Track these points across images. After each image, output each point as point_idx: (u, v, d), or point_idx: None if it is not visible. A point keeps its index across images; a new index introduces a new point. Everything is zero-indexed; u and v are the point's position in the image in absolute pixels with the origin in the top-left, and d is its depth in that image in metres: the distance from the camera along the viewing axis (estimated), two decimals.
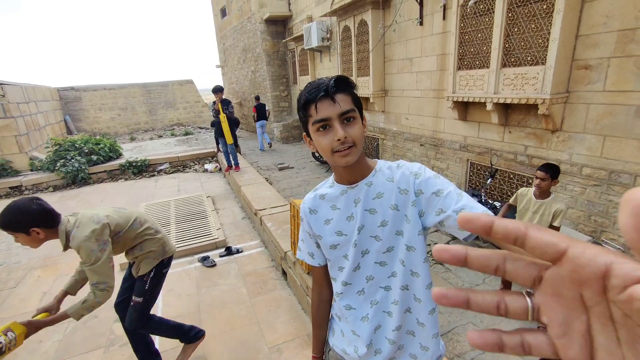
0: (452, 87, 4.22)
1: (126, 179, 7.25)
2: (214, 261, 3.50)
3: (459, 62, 4.11)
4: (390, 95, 5.97)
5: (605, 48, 2.90)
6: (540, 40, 3.18)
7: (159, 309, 2.80)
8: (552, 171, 2.33)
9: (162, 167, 7.79)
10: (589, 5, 2.95)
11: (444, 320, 2.76)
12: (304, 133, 0.95)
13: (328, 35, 7.69)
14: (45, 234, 1.62)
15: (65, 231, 1.66)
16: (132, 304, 1.98)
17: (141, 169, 7.53)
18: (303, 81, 9.63)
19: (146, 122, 14.51)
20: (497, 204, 3.53)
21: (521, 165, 3.81)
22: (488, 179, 3.68)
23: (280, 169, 7.52)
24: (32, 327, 1.57)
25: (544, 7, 3.09)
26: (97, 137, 8.31)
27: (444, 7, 4.37)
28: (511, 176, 4.02)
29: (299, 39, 8.87)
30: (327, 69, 8.21)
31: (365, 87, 6.21)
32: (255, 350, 2.32)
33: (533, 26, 3.21)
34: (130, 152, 8.88)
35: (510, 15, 3.39)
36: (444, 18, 4.44)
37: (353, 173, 0.94)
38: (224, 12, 13.05)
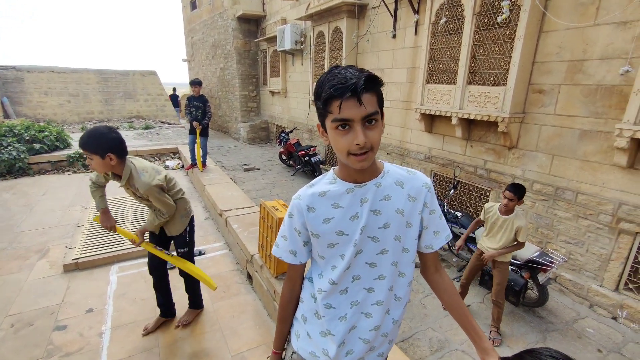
0: (420, 99, 4.40)
1: (74, 172, 6.63)
2: None
3: (428, 76, 4.30)
4: None
5: (557, 75, 3.20)
6: (502, 63, 3.43)
7: (109, 316, 2.57)
8: (519, 193, 2.50)
9: None
10: (545, 35, 3.24)
11: (405, 326, 2.83)
12: (318, 123, 0.90)
13: (302, 39, 7.69)
14: (116, 162, 1.80)
15: (131, 170, 1.87)
16: (179, 254, 2.30)
17: None
18: (273, 82, 9.53)
19: (101, 112, 13.44)
20: (458, 213, 3.72)
21: (480, 178, 4.06)
22: (451, 190, 3.86)
23: (246, 170, 7.34)
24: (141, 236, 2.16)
25: (507, 32, 3.34)
26: (42, 124, 7.53)
27: (417, 23, 4.56)
28: (471, 188, 4.27)
29: (272, 40, 8.78)
30: (299, 72, 8.20)
31: None
32: (217, 358, 2.21)
33: (497, 49, 3.46)
34: None
35: (477, 36, 3.62)
36: (415, 33, 4.63)
37: (362, 173, 0.91)
38: (193, 5, 12.57)
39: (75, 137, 8.64)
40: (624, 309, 2.91)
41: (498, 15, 3.32)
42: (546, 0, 3.17)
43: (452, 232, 3.59)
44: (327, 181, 0.97)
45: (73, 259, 3.21)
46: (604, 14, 2.82)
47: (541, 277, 2.87)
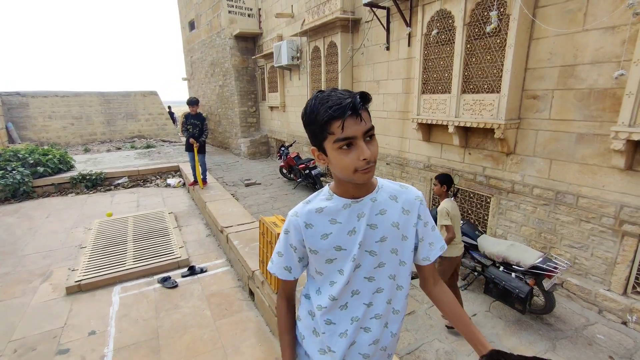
0: (416, 109, 4.44)
1: (77, 193, 6.69)
2: (176, 282, 3.29)
3: (423, 87, 4.35)
4: None
5: (550, 81, 3.23)
6: (495, 71, 3.47)
7: (111, 338, 2.55)
8: (440, 178, 2.73)
9: (119, 181, 7.30)
10: (536, 42, 3.29)
11: (411, 338, 2.79)
12: (313, 147, 0.90)
13: (298, 55, 7.84)
14: None
15: None
16: None
17: (96, 183, 7.00)
18: (272, 98, 9.66)
19: (103, 133, 13.65)
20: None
21: (480, 185, 4.05)
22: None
23: (247, 185, 7.37)
24: None
25: (498, 41, 3.40)
26: (45, 147, 7.65)
27: (409, 35, 4.65)
28: (471, 195, 4.26)
29: (269, 56, 8.95)
30: (297, 86, 8.32)
31: None
32: None
33: (489, 57, 3.51)
34: (84, 164, 8.26)
35: (468, 46, 3.68)
36: (409, 45, 4.72)
37: (360, 188, 0.94)
38: (192, 25, 12.89)
39: (78, 159, 8.76)
40: (633, 313, 2.85)
41: (488, 25, 3.38)
42: (534, 8, 3.24)
43: None
44: (323, 197, 0.98)
45: (76, 281, 3.22)
46: (592, 20, 2.86)
47: (546, 283, 2.83)
